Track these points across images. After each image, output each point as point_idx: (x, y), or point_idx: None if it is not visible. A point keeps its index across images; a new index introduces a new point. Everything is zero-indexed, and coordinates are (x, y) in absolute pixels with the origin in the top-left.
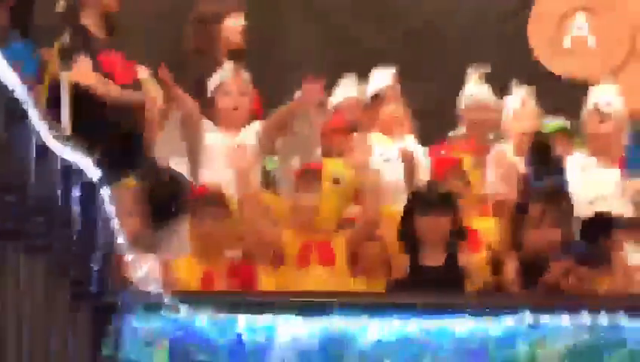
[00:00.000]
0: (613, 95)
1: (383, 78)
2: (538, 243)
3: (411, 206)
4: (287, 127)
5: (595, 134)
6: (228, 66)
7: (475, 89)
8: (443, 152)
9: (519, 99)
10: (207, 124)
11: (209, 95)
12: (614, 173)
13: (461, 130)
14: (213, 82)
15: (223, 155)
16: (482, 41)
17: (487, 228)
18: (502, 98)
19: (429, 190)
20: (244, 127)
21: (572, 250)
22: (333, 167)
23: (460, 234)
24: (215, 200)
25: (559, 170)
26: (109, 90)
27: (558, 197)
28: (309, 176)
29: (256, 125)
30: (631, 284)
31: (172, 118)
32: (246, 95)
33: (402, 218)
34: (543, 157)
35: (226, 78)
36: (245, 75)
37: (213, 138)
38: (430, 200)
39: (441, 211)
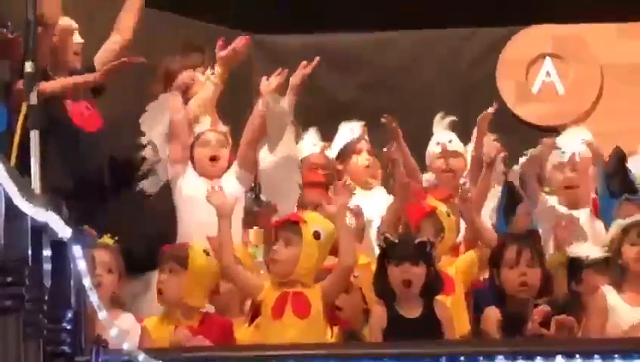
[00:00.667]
0: (578, 143)
1: (350, 131)
2: (515, 283)
3: (384, 257)
4: (262, 132)
5: (562, 184)
6: (204, 119)
7: (442, 137)
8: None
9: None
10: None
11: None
12: (582, 215)
13: (428, 177)
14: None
15: (201, 204)
16: (450, 88)
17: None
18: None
19: (402, 241)
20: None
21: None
22: (313, 220)
23: (435, 284)
24: (176, 256)
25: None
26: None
27: (532, 238)
28: (290, 229)
29: (234, 168)
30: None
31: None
32: (225, 147)
33: (376, 269)
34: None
35: (204, 130)
36: (223, 127)
37: (191, 185)
38: (403, 251)
39: (416, 261)
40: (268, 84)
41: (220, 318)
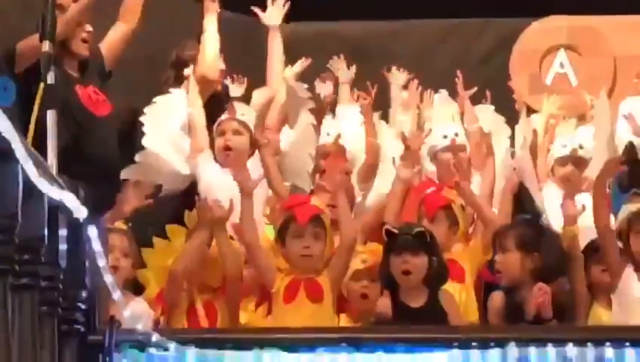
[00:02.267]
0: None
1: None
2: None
3: (388, 246)
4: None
5: (566, 178)
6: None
7: (450, 130)
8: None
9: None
10: (206, 156)
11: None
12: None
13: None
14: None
15: (222, 191)
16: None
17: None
18: None
19: (403, 231)
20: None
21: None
22: (324, 207)
23: (439, 274)
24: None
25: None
26: None
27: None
28: (317, 223)
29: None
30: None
31: None
32: (242, 134)
33: (381, 260)
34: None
35: (222, 118)
36: (246, 114)
37: (213, 174)
38: (402, 242)
39: (415, 251)
40: (291, 70)
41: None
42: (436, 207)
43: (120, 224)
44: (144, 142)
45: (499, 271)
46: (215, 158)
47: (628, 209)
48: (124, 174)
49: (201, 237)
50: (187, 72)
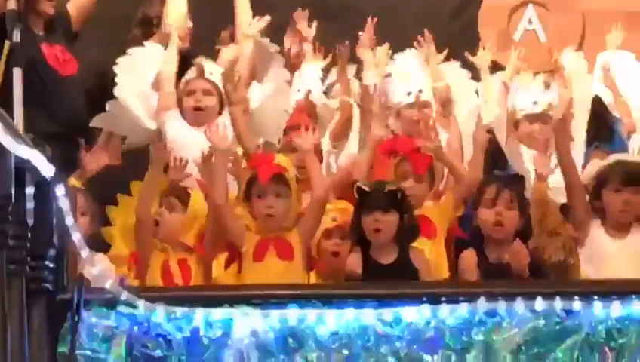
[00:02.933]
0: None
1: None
2: (490, 223)
3: (359, 204)
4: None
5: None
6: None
7: (413, 87)
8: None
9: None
10: (173, 114)
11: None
12: None
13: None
14: (181, 82)
15: (187, 148)
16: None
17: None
18: None
19: (374, 189)
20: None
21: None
22: (288, 165)
23: (410, 231)
24: (179, 195)
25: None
26: None
27: (515, 181)
28: (280, 181)
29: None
30: None
31: None
32: (211, 95)
33: (352, 217)
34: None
35: (191, 77)
36: (214, 73)
37: (180, 131)
38: (375, 199)
39: (386, 209)
40: (255, 25)
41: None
42: (425, 165)
43: (73, 181)
44: (115, 91)
45: (500, 224)
46: (182, 116)
47: (597, 164)
48: (93, 122)
49: (153, 175)
50: (169, 28)
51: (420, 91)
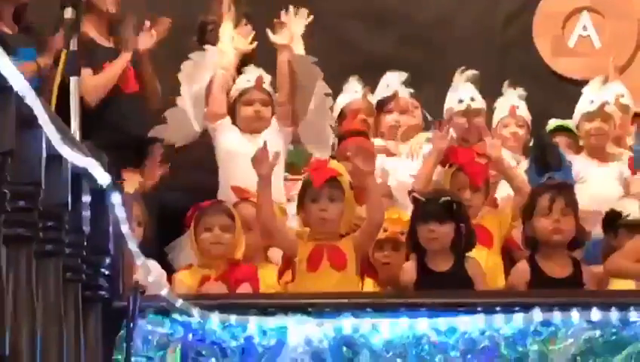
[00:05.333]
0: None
1: (393, 82)
2: (548, 230)
3: (415, 214)
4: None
5: (591, 132)
6: (250, 74)
7: (465, 94)
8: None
9: (508, 105)
10: (226, 124)
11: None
12: (614, 169)
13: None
14: (235, 89)
15: (243, 158)
16: (486, 43)
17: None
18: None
19: (428, 199)
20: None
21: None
22: (343, 171)
23: (466, 241)
24: (222, 210)
25: (564, 166)
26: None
27: (566, 188)
28: (332, 185)
29: (273, 123)
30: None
31: None
32: (268, 105)
33: (409, 226)
34: (545, 154)
35: (249, 86)
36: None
37: (233, 141)
38: (431, 209)
39: (442, 220)
40: (282, 36)
41: (245, 265)
42: (482, 176)
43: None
44: (178, 101)
45: (559, 231)
46: (235, 122)
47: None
48: (152, 133)
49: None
50: (229, 32)
51: (473, 99)
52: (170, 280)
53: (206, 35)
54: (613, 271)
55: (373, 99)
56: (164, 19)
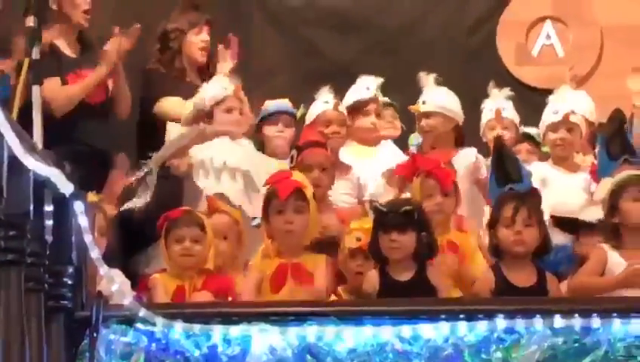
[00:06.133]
0: (577, 103)
1: (363, 88)
2: (509, 241)
3: (377, 223)
4: None
5: (557, 142)
6: (226, 82)
7: (438, 97)
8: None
9: (494, 107)
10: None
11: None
12: (579, 179)
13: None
14: (210, 96)
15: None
16: (451, 50)
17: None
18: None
19: (389, 209)
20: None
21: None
22: (305, 181)
23: (427, 249)
24: (193, 222)
25: (523, 177)
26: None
27: (531, 197)
28: (298, 197)
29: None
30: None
31: None
32: (245, 113)
33: (371, 235)
34: (505, 165)
35: (227, 95)
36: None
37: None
38: (391, 219)
39: (403, 229)
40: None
41: (222, 276)
42: (451, 181)
43: (91, 196)
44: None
45: (521, 243)
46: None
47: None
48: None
49: None
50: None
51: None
52: (146, 283)
53: (169, 43)
54: (578, 289)
55: (349, 100)
56: (134, 27)
